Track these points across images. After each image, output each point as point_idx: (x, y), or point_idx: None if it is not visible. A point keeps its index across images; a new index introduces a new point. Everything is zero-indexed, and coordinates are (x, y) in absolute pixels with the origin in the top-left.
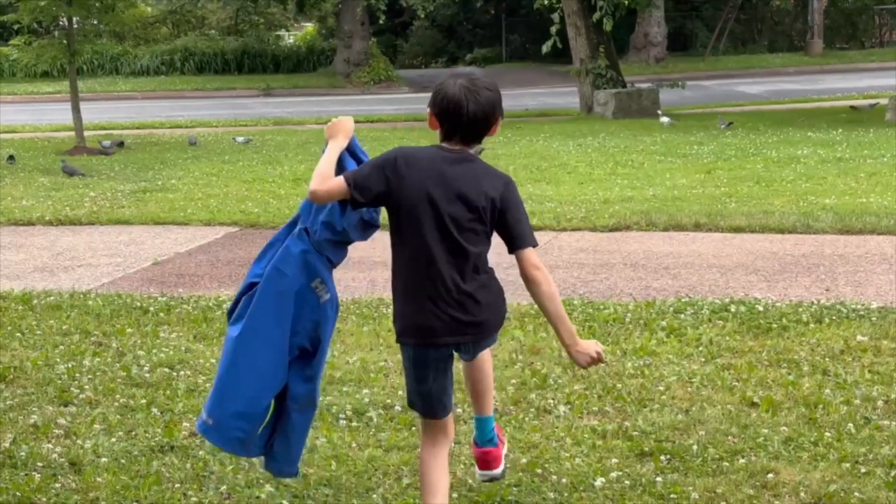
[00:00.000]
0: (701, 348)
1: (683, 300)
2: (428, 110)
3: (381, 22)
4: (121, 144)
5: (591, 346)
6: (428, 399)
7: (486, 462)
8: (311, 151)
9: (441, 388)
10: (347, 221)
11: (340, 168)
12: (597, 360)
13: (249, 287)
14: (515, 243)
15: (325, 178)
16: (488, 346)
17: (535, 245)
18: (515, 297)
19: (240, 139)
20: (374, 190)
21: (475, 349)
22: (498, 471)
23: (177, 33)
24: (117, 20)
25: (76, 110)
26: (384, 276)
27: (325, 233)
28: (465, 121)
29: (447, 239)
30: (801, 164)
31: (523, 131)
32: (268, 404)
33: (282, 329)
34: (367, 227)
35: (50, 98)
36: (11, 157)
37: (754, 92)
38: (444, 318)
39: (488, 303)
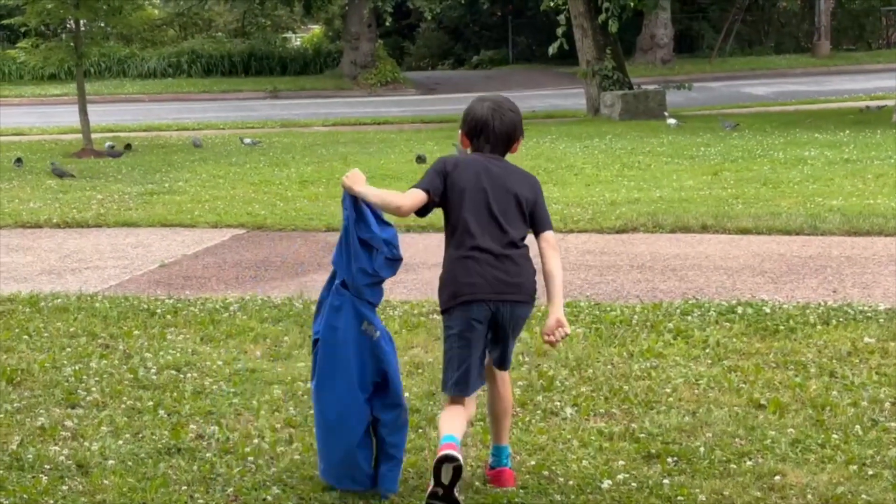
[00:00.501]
0: (708, 350)
1: (690, 302)
2: (459, 131)
3: (387, 24)
4: (128, 147)
5: (561, 328)
6: (466, 369)
7: (500, 482)
8: (318, 154)
9: (478, 358)
10: (377, 263)
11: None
12: (556, 339)
13: (315, 343)
14: (540, 228)
15: (400, 196)
16: (522, 318)
17: (553, 229)
18: None
19: (247, 140)
20: (440, 187)
21: (512, 313)
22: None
23: (184, 36)
24: (124, 23)
25: (83, 113)
26: (391, 280)
27: (361, 278)
28: (492, 137)
29: (493, 219)
30: (808, 166)
31: (530, 133)
32: (359, 441)
33: (345, 376)
34: (394, 263)
35: (57, 100)
36: (19, 160)
37: (761, 93)
38: (489, 277)
39: (525, 268)
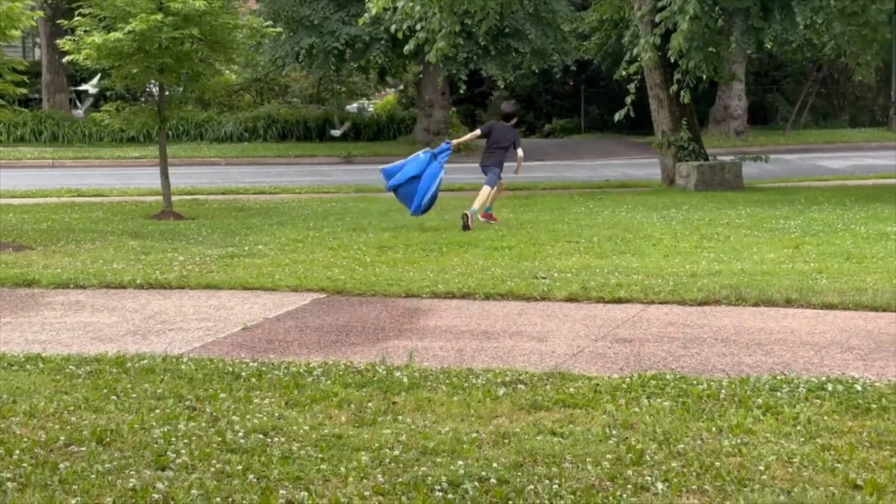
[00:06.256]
0: (799, 427)
1: (779, 377)
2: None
3: (460, 91)
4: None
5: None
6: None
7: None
8: (395, 220)
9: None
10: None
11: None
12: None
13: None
14: (516, 147)
15: (470, 135)
16: (491, 177)
17: (521, 147)
18: (605, 370)
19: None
20: (481, 133)
21: (489, 170)
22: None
23: (260, 101)
24: (204, 88)
25: (164, 175)
26: (472, 346)
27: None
28: (503, 114)
29: (496, 143)
30: (892, 241)
31: (605, 202)
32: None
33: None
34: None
35: (135, 162)
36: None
37: (837, 167)
38: (491, 159)
39: (498, 160)
